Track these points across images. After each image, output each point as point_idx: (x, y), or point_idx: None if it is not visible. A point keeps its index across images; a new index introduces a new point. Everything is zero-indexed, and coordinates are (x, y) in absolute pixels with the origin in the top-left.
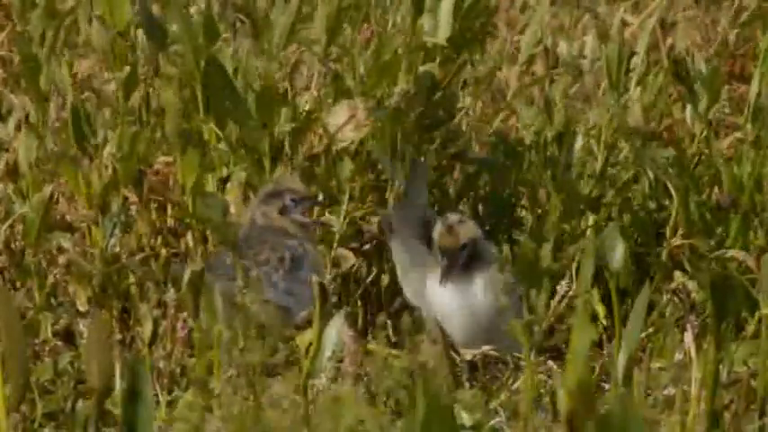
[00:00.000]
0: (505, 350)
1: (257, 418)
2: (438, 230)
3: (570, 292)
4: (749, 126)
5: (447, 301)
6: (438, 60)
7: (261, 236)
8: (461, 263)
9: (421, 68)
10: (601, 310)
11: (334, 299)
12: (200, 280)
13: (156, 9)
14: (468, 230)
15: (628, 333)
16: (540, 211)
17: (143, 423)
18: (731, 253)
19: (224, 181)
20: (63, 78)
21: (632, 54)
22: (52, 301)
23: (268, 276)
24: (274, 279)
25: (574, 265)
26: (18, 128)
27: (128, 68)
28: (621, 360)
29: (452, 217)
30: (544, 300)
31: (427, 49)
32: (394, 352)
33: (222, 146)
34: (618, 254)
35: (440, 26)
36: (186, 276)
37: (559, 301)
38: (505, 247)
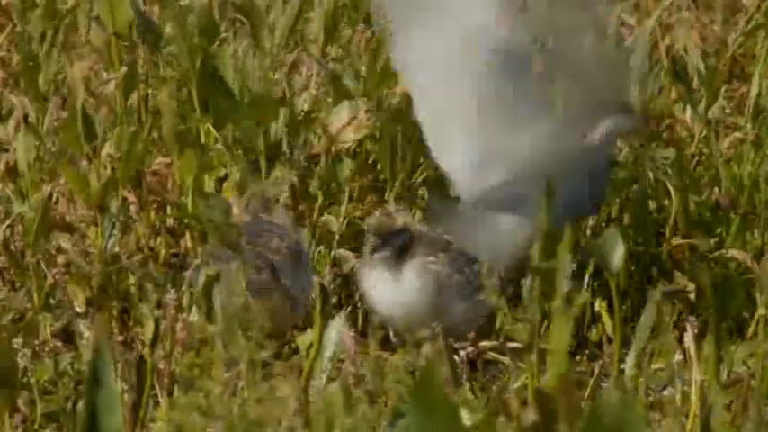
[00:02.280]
0: (456, 327)
1: (251, 417)
2: (374, 216)
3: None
4: (749, 126)
5: (379, 297)
6: None
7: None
8: (395, 248)
9: None
10: (602, 309)
11: (333, 299)
12: (214, 284)
13: (152, 9)
14: (406, 221)
15: (634, 344)
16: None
17: (105, 410)
18: (732, 253)
19: (221, 181)
20: (66, 78)
21: (629, 53)
22: (51, 301)
23: (280, 265)
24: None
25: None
26: (17, 128)
27: (124, 69)
28: (627, 370)
29: (391, 207)
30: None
31: None
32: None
33: (219, 146)
34: (618, 255)
35: None
36: (200, 279)
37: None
38: None
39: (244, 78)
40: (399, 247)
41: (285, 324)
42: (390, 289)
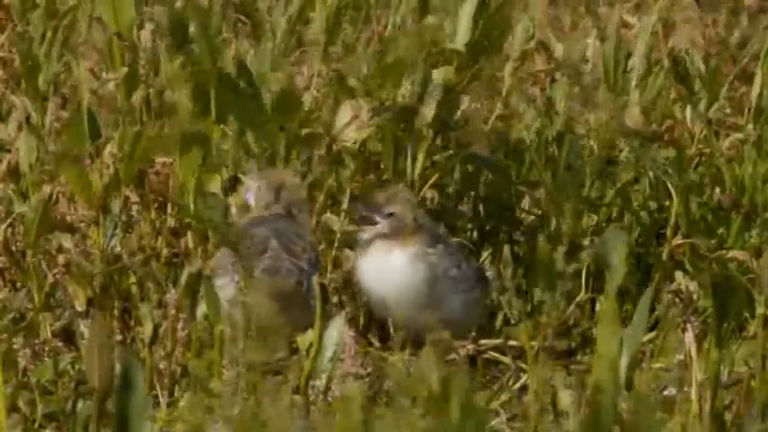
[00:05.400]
0: (453, 321)
1: (258, 418)
2: (378, 192)
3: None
4: (750, 126)
5: (375, 278)
6: (455, 65)
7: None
8: (381, 228)
9: (435, 72)
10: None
11: (334, 299)
12: (198, 281)
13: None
14: (403, 205)
15: (630, 335)
16: (539, 211)
17: (135, 417)
18: (732, 254)
19: (231, 181)
20: (66, 78)
21: (629, 54)
22: (52, 301)
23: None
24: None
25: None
26: (19, 128)
27: (125, 69)
28: (624, 362)
29: (400, 189)
30: (553, 302)
31: (442, 53)
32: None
33: (227, 146)
34: (619, 255)
35: (459, 32)
36: (183, 278)
37: (568, 303)
38: (506, 247)
39: (264, 80)
40: (386, 228)
41: (304, 327)
42: (384, 269)
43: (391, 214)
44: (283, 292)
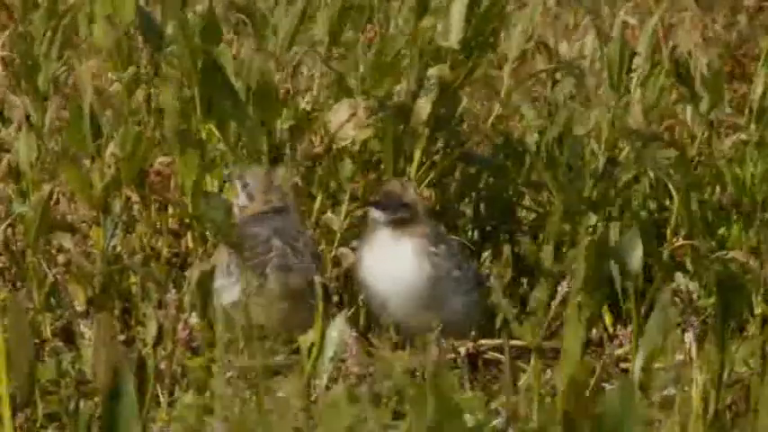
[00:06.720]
0: (452, 322)
1: (258, 419)
2: (391, 182)
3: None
4: (752, 126)
5: (377, 272)
6: (449, 63)
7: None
8: (395, 216)
9: (430, 71)
10: (605, 310)
11: (335, 299)
12: (210, 280)
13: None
14: (413, 197)
15: (645, 341)
16: (541, 210)
17: (124, 422)
18: (732, 254)
19: (223, 181)
20: (67, 78)
21: (633, 54)
22: (52, 301)
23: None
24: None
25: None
26: (19, 128)
27: (133, 68)
28: (638, 362)
29: (409, 183)
30: (544, 300)
31: (437, 51)
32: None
33: (221, 146)
34: (637, 257)
35: (452, 29)
36: (194, 277)
37: (560, 302)
38: (506, 248)
39: (246, 78)
40: (398, 217)
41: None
42: (388, 265)
43: (406, 204)
44: (295, 289)
